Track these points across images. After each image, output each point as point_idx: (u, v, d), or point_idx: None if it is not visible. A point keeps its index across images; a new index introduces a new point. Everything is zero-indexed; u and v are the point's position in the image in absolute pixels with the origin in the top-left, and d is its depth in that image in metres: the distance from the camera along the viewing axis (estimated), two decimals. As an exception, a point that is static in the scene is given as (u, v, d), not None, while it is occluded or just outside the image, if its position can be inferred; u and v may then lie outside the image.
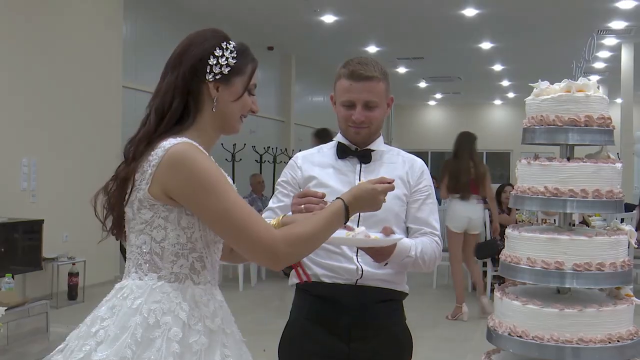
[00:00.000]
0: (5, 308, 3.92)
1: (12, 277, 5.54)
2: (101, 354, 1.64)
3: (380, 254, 2.23)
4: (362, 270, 2.33)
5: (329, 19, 11.24)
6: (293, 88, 14.95)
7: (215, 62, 1.78)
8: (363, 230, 2.14)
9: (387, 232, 2.19)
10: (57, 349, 1.76)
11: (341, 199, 1.87)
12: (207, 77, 1.78)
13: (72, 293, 7.52)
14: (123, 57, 9.01)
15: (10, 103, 7.20)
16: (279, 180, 2.49)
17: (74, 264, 7.53)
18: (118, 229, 1.83)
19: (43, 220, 7.04)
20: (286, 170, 2.50)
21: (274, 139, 14.15)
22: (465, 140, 7.52)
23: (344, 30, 11.93)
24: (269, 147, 13.22)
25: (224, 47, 1.80)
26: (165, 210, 1.72)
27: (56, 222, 7.47)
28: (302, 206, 2.06)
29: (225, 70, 1.79)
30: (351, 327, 2.33)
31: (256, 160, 12.74)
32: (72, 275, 7.53)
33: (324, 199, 2.08)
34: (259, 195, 9.81)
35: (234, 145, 11.51)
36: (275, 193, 2.48)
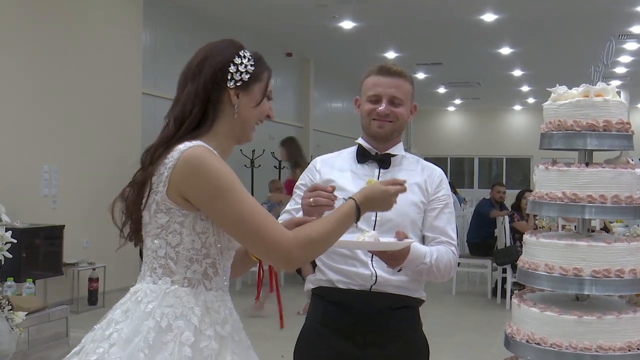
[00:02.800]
0: (26, 313, 3.95)
1: (33, 282, 5.58)
2: (114, 356, 1.67)
3: (392, 258, 2.22)
4: (376, 276, 2.32)
5: (347, 24, 11.25)
6: (312, 94, 14.97)
7: (235, 70, 1.83)
8: (373, 234, 2.14)
9: (400, 236, 2.18)
10: (73, 351, 1.79)
11: (353, 198, 1.89)
12: (228, 84, 1.82)
13: (93, 298, 7.58)
14: (143, 65, 9.08)
15: (31, 110, 7.28)
16: (297, 183, 2.51)
17: (94, 269, 7.60)
18: (136, 235, 1.86)
19: (64, 226, 7.10)
20: (305, 173, 2.52)
21: (293, 145, 14.15)
22: (298, 147, 7.71)
23: (363, 36, 11.93)
24: (287, 153, 13.23)
25: (242, 55, 1.85)
26: (181, 215, 1.75)
27: (77, 228, 7.53)
28: (311, 200, 2.06)
29: (246, 77, 1.84)
30: (366, 333, 2.32)
31: (275, 167, 12.75)
32: (93, 280, 7.59)
33: (334, 193, 2.08)
34: (277, 201, 9.82)
35: (253, 151, 11.54)
36: (293, 196, 2.49)
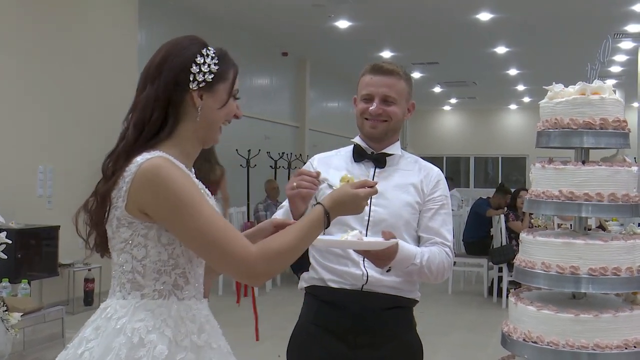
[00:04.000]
0: (21, 314, 3.94)
1: (28, 283, 5.57)
2: None
3: (379, 258, 2.19)
4: (368, 276, 2.30)
5: (343, 24, 11.25)
6: (308, 94, 14.96)
7: (198, 70, 1.72)
8: (356, 233, 2.10)
9: (387, 237, 2.14)
10: None
11: (321, 204, 1.80)
12: (190, 86, 1.72)
13: (88, 299, 7.56)
14: (139, 65, 9.05)
15: (27, 111, 7.26)
16: None
17: (89, 270, 7.57)
18: (102, 247, 1.80)
19: (59, 226, 7.07)
20: None
21: (289, 144, 14.15)
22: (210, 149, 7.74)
23: (359, 36, 11.93)
24: (283, 153, 13.22)
25: (205, 53, 1.74)
26: (144, 228, 1.68)
27: (72, 229, 7.37)
28: (294, 184, 2.03)
29: (209, 78, 1.73)
30: (358, 333, 2.30)
31: (271, 166, 12.74)
32: (88, 281, 7.57)
33: (319, 178, 2.06)
34: (273, 201, 9.81)
35: (249, 151, 11.54)
36: None
